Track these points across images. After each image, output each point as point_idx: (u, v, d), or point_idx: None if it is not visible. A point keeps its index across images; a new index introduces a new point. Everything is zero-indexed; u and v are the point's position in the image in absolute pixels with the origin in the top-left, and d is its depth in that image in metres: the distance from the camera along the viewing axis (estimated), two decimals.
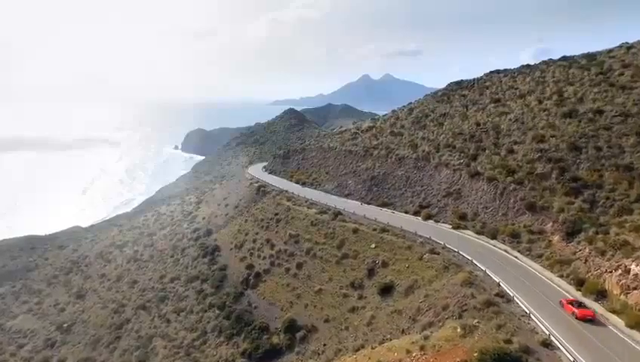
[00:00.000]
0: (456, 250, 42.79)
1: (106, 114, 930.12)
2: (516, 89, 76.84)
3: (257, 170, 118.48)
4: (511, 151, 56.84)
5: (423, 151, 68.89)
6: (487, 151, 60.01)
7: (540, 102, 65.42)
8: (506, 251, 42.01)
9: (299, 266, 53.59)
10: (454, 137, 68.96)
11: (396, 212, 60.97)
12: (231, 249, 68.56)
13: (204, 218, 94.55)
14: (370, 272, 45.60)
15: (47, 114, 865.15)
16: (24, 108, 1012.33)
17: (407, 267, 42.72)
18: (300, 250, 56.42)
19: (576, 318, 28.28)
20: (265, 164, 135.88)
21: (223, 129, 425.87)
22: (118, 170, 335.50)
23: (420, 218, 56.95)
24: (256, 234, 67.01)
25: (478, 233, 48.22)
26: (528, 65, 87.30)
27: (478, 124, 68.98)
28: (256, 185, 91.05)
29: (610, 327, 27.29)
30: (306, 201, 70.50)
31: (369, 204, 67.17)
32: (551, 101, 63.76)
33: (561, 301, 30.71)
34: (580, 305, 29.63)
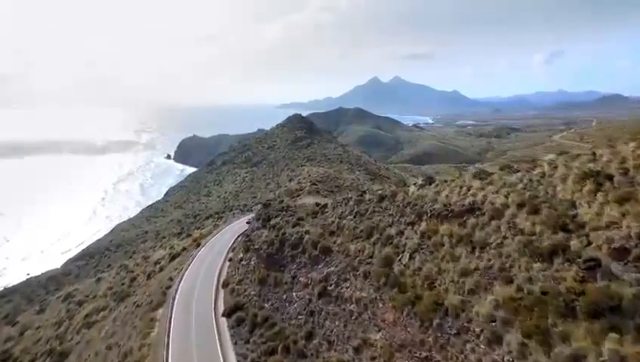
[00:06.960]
0: None
1: (125, 117, 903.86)
2: None
3: (223, 271, 53.98)
4: None
5: None
6: None
7: None
8: None
9: None
10: None
11: None
12: None
13: None
14: None
15: (62, 117, 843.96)
16: (38, 112, 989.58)
17: None
18: None
19: None
20: (248, 220, 68.99)
21: (221, 136, 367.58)
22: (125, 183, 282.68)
23: None
24: None
25: None
26: None
27: None
28: None
29: None
30: None
31: None
32: None
33: None
34: None
